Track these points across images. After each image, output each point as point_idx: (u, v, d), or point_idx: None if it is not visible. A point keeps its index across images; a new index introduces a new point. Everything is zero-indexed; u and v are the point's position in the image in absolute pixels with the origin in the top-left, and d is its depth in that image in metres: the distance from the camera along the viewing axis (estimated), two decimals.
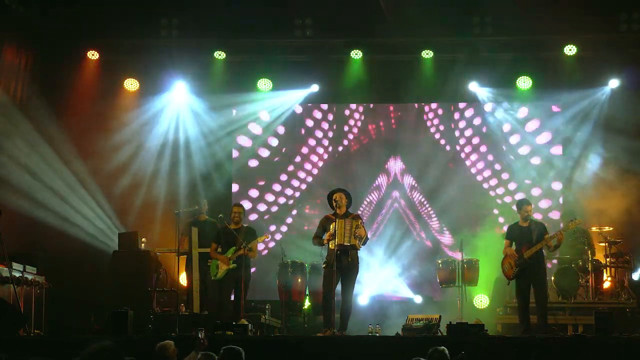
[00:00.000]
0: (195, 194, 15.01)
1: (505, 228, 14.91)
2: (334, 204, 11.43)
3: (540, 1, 14.44)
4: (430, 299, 14.66)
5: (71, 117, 14.87)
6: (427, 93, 15.43)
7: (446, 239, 15.38)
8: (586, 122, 15.02)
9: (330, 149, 15.81)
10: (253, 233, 12.30)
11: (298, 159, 15.81)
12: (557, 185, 15.22)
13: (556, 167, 15.27)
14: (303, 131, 15.85)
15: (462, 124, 15.63)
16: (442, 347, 6.86)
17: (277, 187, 15.80)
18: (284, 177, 15.80)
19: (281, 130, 15.86)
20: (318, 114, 15.89)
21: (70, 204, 14.61)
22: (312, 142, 15.82)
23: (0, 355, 5.66)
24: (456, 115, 15.66)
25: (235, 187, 15.77)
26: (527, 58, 15.07)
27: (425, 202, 15.53)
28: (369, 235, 11.75)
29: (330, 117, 15.89)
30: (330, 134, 15.83)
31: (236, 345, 9.64)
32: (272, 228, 15.57)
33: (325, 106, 15.88)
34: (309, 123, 15.87)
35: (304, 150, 15.82)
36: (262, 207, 15.72)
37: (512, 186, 15.41)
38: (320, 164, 15.79)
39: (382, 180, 15.68)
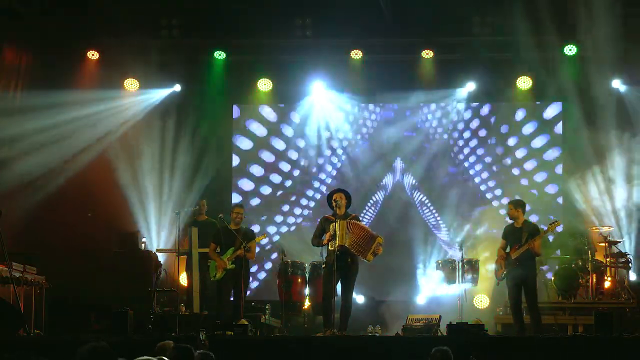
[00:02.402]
0: (195, 194, 14.99)
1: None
2: (334, 204, 11.43)
3: (540, 1, 14.43)
4: (430, 299, 14.64)
5: (71, 117, 14.86)
6: (426, 93, 15.41)
7: (443, 234, 15.38)
8: (587, 121, 15.01)
9: (330, 149, 15.80)
10: (252, 234, 12.31)
11: (299, 157, 15.81)
12: (555, 186, 15.21)
13: (556, 167, 15.26)
14: (304, 130, 15.84)
15: (461, 125, 15.62)
16: (445, 347, 6.84)
17: (277, 181, 15.80)
18: (284, 176, 15.81)
19: (282, 130, 15.86)
20: (318, 115, 15.88)
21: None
22: (313, 141, 15.81)
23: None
24: (456, 116, 15.64)
25: (235, 187, 15.77)
26: (527, 58, 15.05)
27: (426, 202, 15.54)
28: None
29: (331, 116, 15.88)
30: (330, 134, 15.82)
31: (236, 345, 9.66)
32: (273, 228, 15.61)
33: (325, 106, 15.87)
34: (309, 122, 15.86)
35: (305, 149, 15.81)
36: (262, 207, 15.72)
37: (511, 186, 15.39)
38: (321, 163, 15.78)
39: (388, 180, 15.69)
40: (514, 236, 11.85)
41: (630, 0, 14.42)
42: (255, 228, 14.58)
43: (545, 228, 12.09)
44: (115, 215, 14.76)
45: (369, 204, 15.58)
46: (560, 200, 15.19)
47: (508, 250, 11.87)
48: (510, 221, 12.03)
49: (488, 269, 14.10)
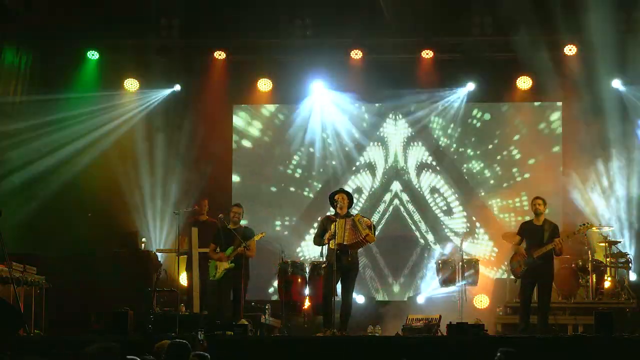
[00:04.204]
0: (196, 194, 14.98)
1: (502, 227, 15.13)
2: (336, 204, 11.44)
3: (540, 1, 14.44)
4: (430, 299, 14.65)
5: (71, 117, 14.86)
6: (426, 93, 15.41)
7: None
8: (586, 121, 15.03)
9: (330, 149, 15.81)
10: (251, 233, 12.31)
11: (298, 157, 15.81)
12: (555, 185, 15.22)
13: (555, 166, 15.27)
14: (303, 131, 15.84)
15: (461, 124, 15.62)
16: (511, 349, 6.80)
17: (276, 180, 15.80)
18: (284, 176, 15.82)
19: (282, 130, 15.87)
20: (318, 114, 15.88)
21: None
22: (312, 142, 15.82)
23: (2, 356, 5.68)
24: (456, 115, 15.64)
25: (235, 187, 15.77)
26: (527, 58, 15.06)
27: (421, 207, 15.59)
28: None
29: (330, 117, 15.88)
30: (330, 134, 15.82)
31: (236, 345, 9.64)
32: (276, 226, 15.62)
33: (325, 106, 15.88)
34: (309, 123, 15.86)
35: (306, 149, 15.81)
36: (261, 206, 15.72)
37: (511, 185, 15.40)
38: (322, 163, 15.79)
39: (386, 179, 15.66)
40: (534, 234, 11.82)
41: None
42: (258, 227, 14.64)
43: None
44: (115, 215, 14.76)
45: (367, 204, 15.58)
46: (560, 199, 15.18)
47: (524, 246, 11.85)
48: (517, 218, 12.00)
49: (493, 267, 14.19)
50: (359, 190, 15.52)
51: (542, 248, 11.63)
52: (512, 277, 12.27)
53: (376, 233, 11.94)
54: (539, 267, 11.66)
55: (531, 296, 11.82)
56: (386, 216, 15.57)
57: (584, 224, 12.10)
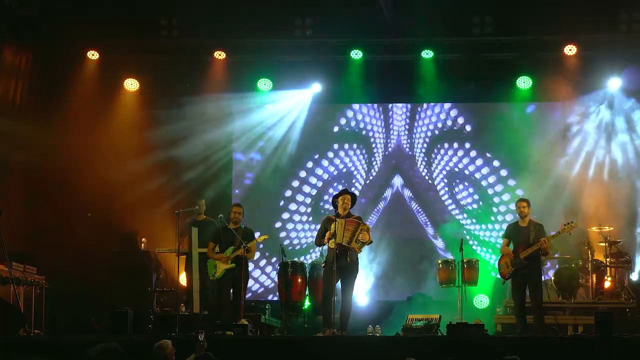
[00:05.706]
0: (194, 194, 14.98)
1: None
2: (339, 204, 11.44)
3: (540, 1, 14.44)
4: (430, 299, 14.66)
5: (71, 117, 14.86)
6: (426, 93, 15.42)
7: (439, 242, 15.40)
8: (586, 121, 15.04)
9: (330, 149, 15.82)
10: (251, 234, 12.31)
11: (298, 157, 15.81)
12: (555, 185, 15.22)
13: (555, 166, 15.28)
14: (304, 131, 15.84)
15: (461, 123, 15.63)
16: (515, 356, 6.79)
17: (276, 181, 15.80)
18: (284, 177, 15.82)
19: (282, 130, 15.87)
20: (318, 114, 15.89)
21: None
22: (313, 142, 15.82)
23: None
24: (456, 115, 15.65)
25: (235, 187, 15.78)
26: (527, 58, 15.06)
27: (424, 200, 15.60)
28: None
29: (330, 117, 15.90)
30: (331, 134, 15.85)
31: (236, 345, 9.63)
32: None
33: (324, 106, 15.88)
34: (309, 123, 15.86)
35: (305, 149, 15.82)
36: (261, 205, 15.72)
37: (511, 184, 15.42)
38: (322, 162, 15.80)
39: (387, 179, 15.72)
40: (520, 235, 11.82)
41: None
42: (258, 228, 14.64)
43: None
44: (115, 215, 14.75)
45: (368, 204, 15.59)
46: (560, 199, 15.18)
47: (511, 248, 11.85)
48: (505, 220, 12.03)
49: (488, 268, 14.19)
50: (358, 190, 15.52)
51: (529, 249, 11.65)
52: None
53: (371, 234, 11.81)
54: (526, 267, 11.66)
55: (524, 297, 11.82)
56: (386, 216, 15.56)
57: (568, 223, 12.08)
